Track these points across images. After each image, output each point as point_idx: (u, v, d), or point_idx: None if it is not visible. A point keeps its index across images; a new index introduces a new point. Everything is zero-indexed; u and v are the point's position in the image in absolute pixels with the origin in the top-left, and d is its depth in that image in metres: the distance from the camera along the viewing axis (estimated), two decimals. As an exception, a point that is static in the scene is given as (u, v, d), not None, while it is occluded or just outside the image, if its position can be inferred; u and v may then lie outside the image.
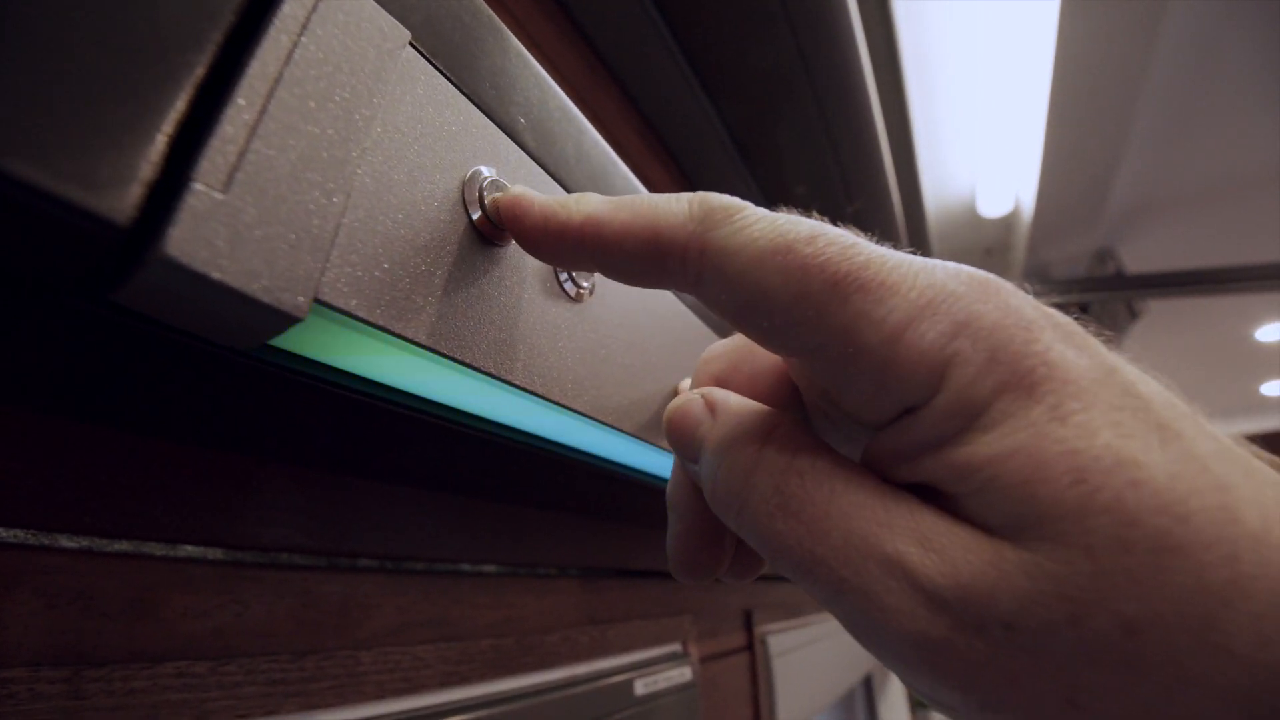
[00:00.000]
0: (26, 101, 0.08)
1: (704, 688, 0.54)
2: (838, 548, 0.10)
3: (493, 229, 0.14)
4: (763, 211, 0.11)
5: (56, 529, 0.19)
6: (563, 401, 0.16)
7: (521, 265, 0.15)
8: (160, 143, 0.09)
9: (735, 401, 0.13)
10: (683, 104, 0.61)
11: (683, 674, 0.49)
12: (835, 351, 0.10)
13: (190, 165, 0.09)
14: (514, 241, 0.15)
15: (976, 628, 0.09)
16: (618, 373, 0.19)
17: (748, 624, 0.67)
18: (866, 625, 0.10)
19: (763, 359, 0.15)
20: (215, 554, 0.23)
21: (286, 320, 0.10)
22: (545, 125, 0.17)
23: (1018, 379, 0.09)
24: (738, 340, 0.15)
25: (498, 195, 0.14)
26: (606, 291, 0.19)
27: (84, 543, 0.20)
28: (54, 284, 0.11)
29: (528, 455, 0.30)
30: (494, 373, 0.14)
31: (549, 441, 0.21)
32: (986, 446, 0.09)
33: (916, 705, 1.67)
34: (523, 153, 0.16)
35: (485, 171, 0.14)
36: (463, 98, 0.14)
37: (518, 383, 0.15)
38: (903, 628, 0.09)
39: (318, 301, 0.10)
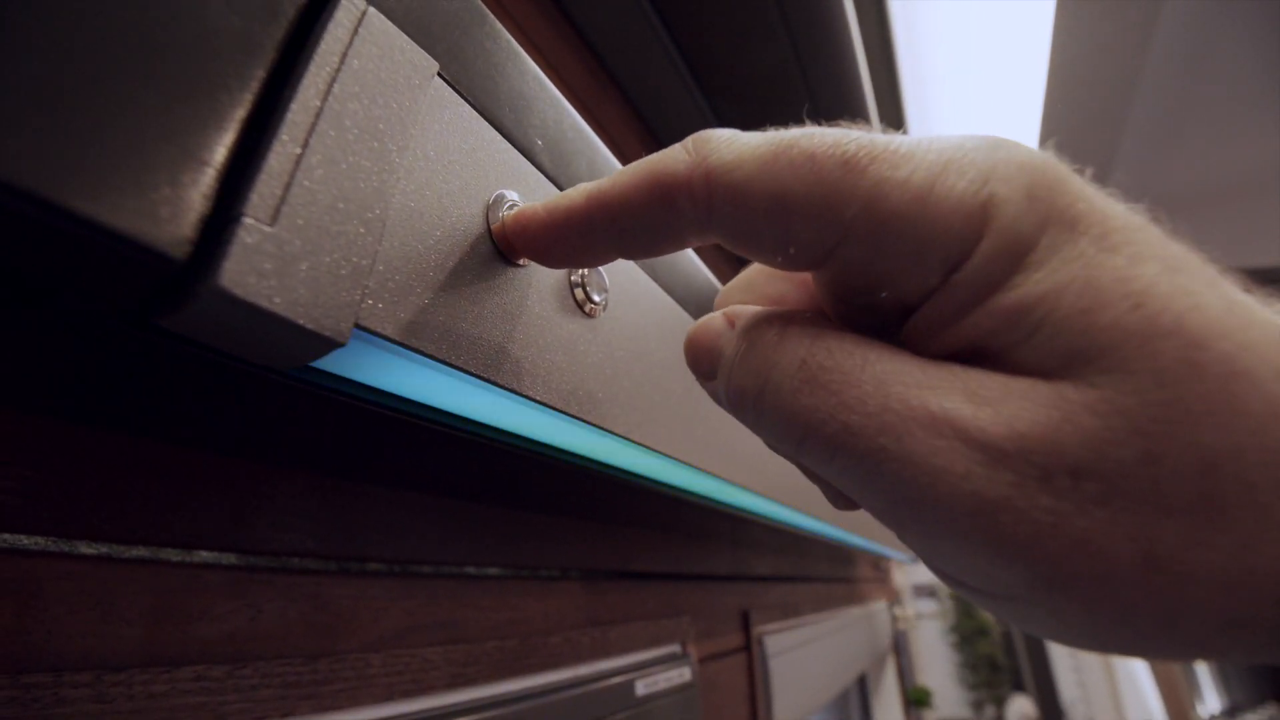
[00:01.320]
0: (85, 141, 0.08)
1: (703, 688, 0.55)
2: (873, 414, 0.09)
3: (515, 254, 0.15)
4: (754, 132, 0.11)
5: (76, 536, 0.19)
6: (579, 415, 0.16)
7: (540, 284, 0.16)
8: (211, 178, 0.09)
9: (756, 308, 0.12)
10: (682, 106, 0.61)
11: (682, 674, 0.49)
12: (864, 230, 0.09)
13: (240, 200, 0.09)
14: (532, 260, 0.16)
15: (1040, 480, 0.08)
16: (629, 385, 0.19)
17: (745, 624, 0.68)
18: (913, 498, 0.09)
19: (780, 287, 0.14)
20: (229, 559, 0.23)
21: (329, 345, 0.10)
22: (560, 145, 0.18)
23: (1059, 214, 0.09)
24: (752, 273, 0.14)
25: (499, 222, 0.14)
26: (618, 308, 0.19)
27: (103, 549, 0.20)
28: (102, 312, 0.11)
29: (535, 462, 0.30)
30: (516, 389, 0.14)
31: (556, 449, 0.21)
32: (1038, 284, 0.08)
33: (912, 704, 1.68)
34: (540, 174, 0.16)
35: (509, 195, 0.15)
36: (485, 124, 0.14)
37: (537, 398, 0.15)
38: (956, 491, 0.08)
39: (358, 327, 0.11)
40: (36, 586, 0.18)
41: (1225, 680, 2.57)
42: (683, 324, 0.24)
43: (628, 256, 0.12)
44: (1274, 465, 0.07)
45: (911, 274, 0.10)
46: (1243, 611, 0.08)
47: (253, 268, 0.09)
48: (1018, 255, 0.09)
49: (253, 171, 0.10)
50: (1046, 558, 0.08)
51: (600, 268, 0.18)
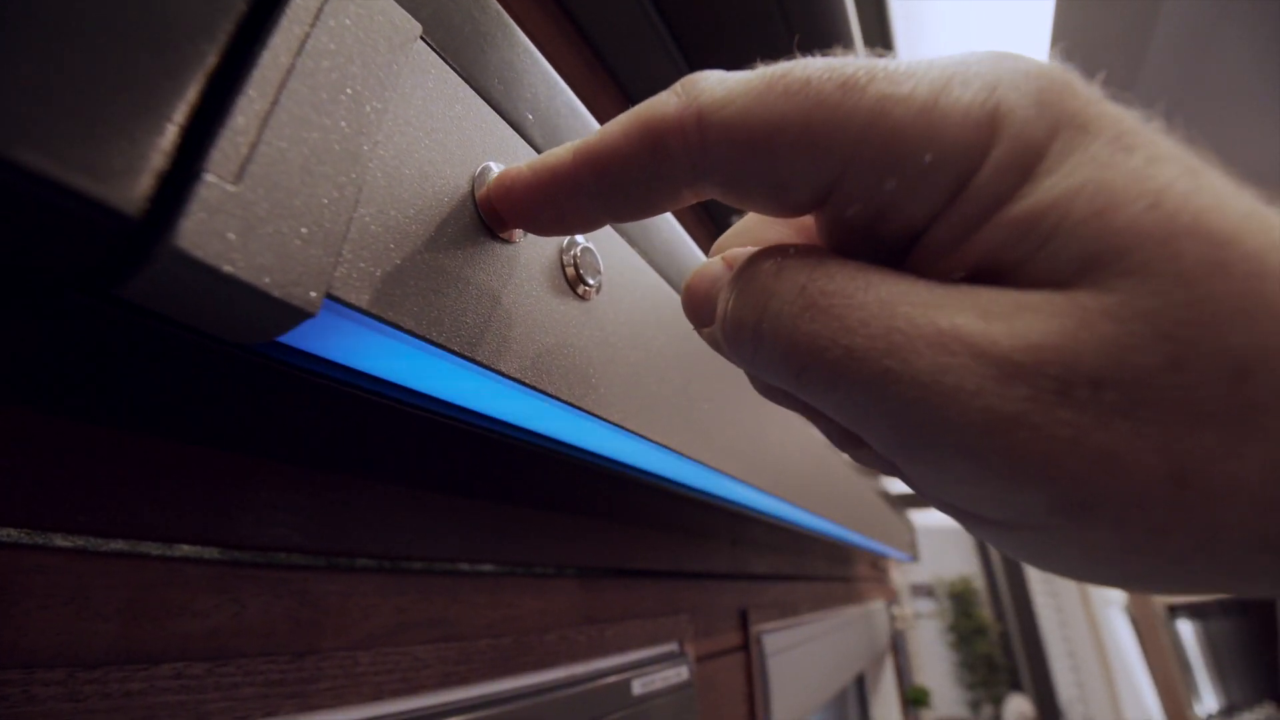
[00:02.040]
0: (34, 90, 0.08)
1: (700, 687, 0.54)
2: (878, 335, 0.09)
3: (501, 225, 0.14)
4: (743, 71, 0.10)
5: (50, 528, 0.19)
6: (570, 400, 0.16)
7: (531, 263, 0.15)
8: (171, 133, 0.09)
9: (754, 249, 0.11)
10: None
11: (680, 673, 0.49)
12: (868, 151, 0.09)
13: (201, 156, 0.09)
14: (520, 235, 0.15)
15: (1058, 392, 0.07)
16: (624, 371, 0.19)
17: (743, 623, 0.68)
18: (923, 421, 0.08)
19: (779, 231, 0.13)
20: (212, 553, 0.23)
21: (298, 316, 0.09)
22: (552, 121, 0.17)
23: (1070, 118, 0.08)
24: (749, 220, 0.14)
25: (485, 180, 0.13)
26: (613, 291, 0.18)
27: (79, 542, 0.19)
28: (55, 279, 0.11)
29: (528, 455, 0.30)
30: (503, 370, 0.14)
31: (550, 439, 0.21)
32: (1051, 190, 0.08)
33: (910, 704, 1.68)
34: (531, 149, 0.16)
35: (496, 168, 0.14)
36: (472, 93, 0.14)
37: (526, 381, 0.14)
38: (968, 409, 0.08)
39: (329, 297, 0.10)
40: (7, 580, 0.17)
41: (1223, 679, 2.57)
42: (678, 311, 0.23)
43: (617, 218, 0.12)
44: None
45: (919, 194, 0.09)
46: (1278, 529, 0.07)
47: (213, 228, 0.08)
48: (1028, 164, 0.08)
49: (216, 128, 0.09)
50: (1068, 476, 0.08)
51: (594, 250, 0.17)
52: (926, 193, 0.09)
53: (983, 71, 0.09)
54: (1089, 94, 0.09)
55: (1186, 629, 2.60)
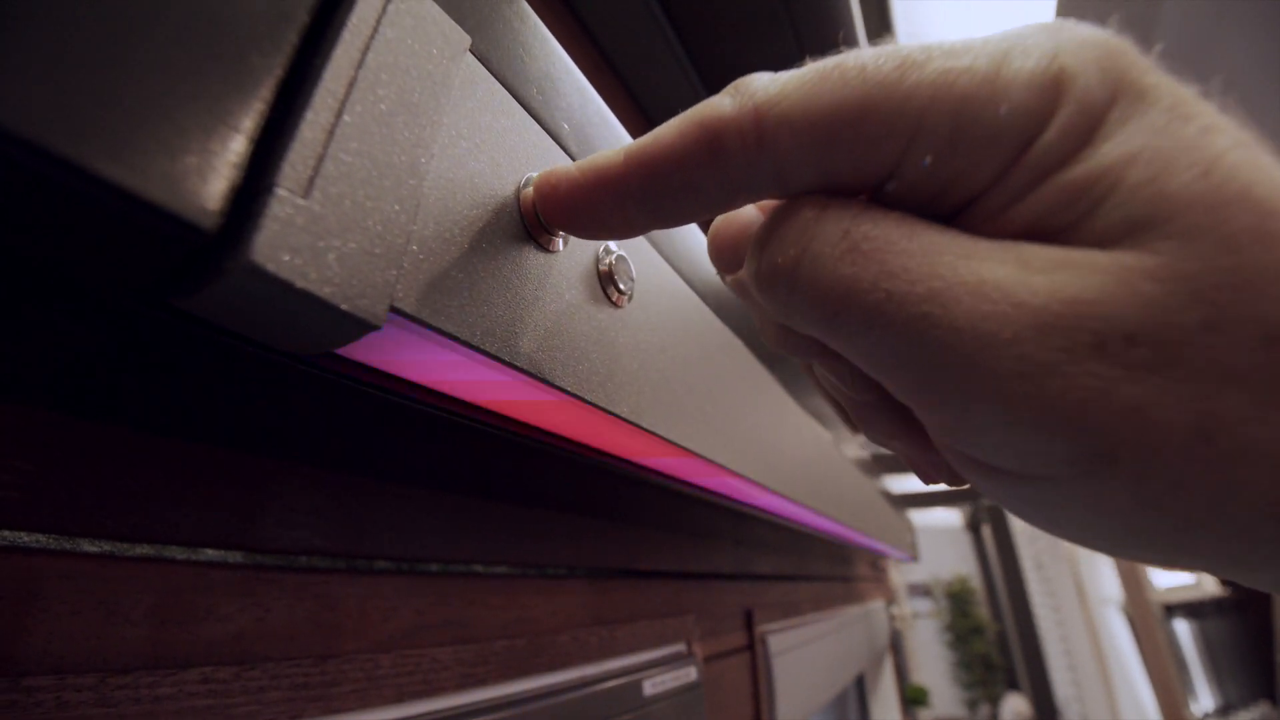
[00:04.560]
0: (109, 103, 0.08)
1: (707, 687, 0.54)
2: (919, 280, 0.09)
3: (544, 233, 0.14)
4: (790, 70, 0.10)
5: (78, 533, 0.19)
6: (605, 406, 0.16)
7: (570, 271, 0.15)
8: (242, 145, 0.09)
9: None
10: (687, 103, 0.61)
11: (688, 673, 0.49)
12: (934, 122, 0.09)
13: (273, 169, 0.09)
14: (561, 244, 0.15)
15: (1093, 345, 0.08)
16: (655, 379, 0.19)
17: (748, 623, 0.68)
18: (955, 365, 0.08)
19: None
20: (235, 557, 0.23)
21: (363, 328, 0.10)
22: (585, 130, 0.17)
23: (1129, 85, 0.09)
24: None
25: (526, 190, 0.13)
26: (644, 299, 0.19)
27: (106, 547, 0.19)
28: (117, 290, 0.11)
29: (539, 454, 0.30)
30: (545, 377, 0.14)
31: (572, 443, 0.21)
32: (1106, 155, 0.08)
33: (909, 704, 1.69)
34: (568, 159, 0.16)
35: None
36: (515, 103, 0.14)
37: (565, 387, 0.15)
38: (1003, 355, 0.08)
39: (393, 310, 0.10)
40: (37, 586, 0.17)
41: (1219, 679, 2.59)
42: (706, 320, 0.23)
43: (664, 223, 0.12)
44: None
45: (982, 163, 0.09)
46: None
47: (285, 242, 0.09)
48: (1090, 128, 0.09)
49: (285, 141, 0.09)
50: (1094, 426, 0.08)
51: (628, 258, 0.17)
52: (990, 160, 0.09)
53: (1042, 41, 0.09)
54: (1145, 63, 0.09)
55: (1183, 628, 2.62)
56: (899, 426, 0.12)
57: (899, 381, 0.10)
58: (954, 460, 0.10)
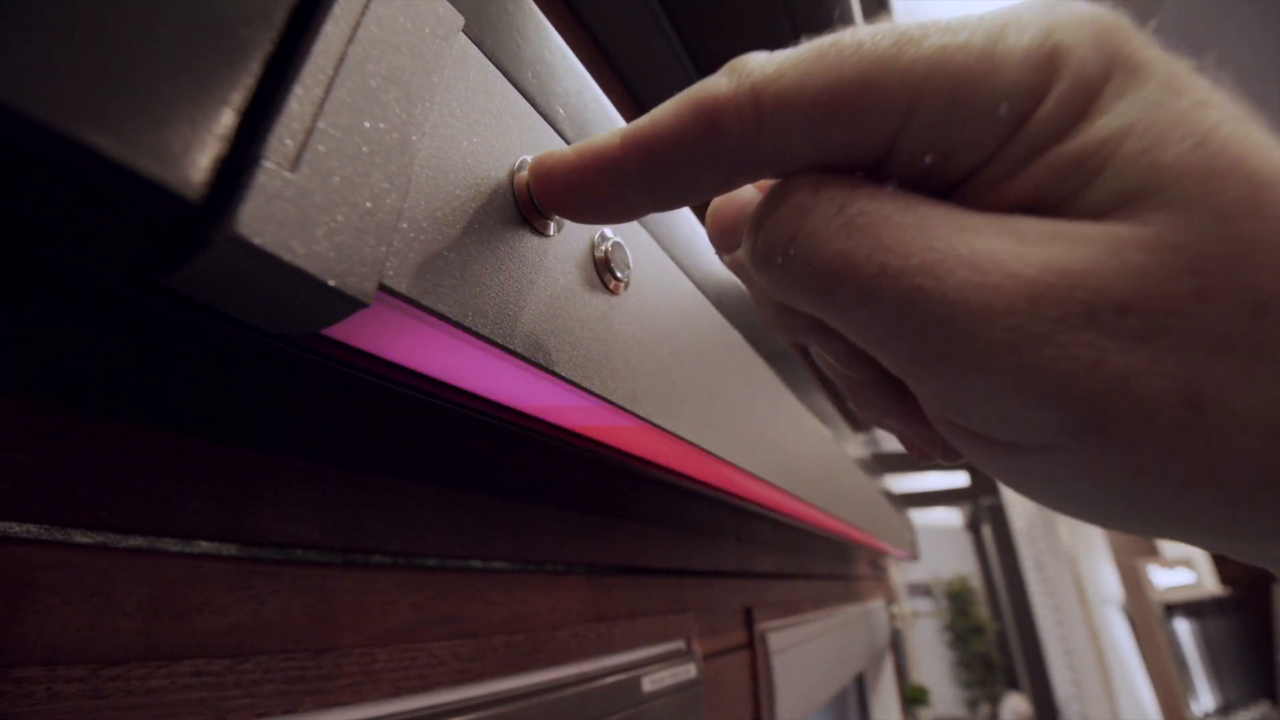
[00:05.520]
0: (96, 72, 0.08)
1: (707, 685, 0.54)
2: (913, 253, 0.09)
3: (538, 216, 0.14)
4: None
5: (71, 524, 0.19)
6: (602, 394, 0.16)
7: (565, 255, 0.15)
8: (229, 118, 0.09)
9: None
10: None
11: (688, 671, 0.49)
12: (932, 96, 0.09)
13: (260, 142, 0.09)
14: (555, 229, 0.15)
15: (1085, 315, 0.08)
16: (651, 368, 0.19)
17: (748, 621, 0.68)
18: (949, 336, 0.09)
19: None
20: (230, 550, 0.22)
21: (352, 305, 0.09)
22: (582, 116, 0.17)
23: (1124, 59, 0.09)
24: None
25: (520, 173, 0.13)
26: (640, 286, 0.18)
27: (99, 538, 0.19)
28: (97, 268, 0.10)
29: (540, 448, 0.30)
30: (540, 362, 0.14)
31: (574, 436, 0.21)
32: (1101, 129, 0.08)
33: (909, 703, 1.69)
34: (564, 144, 0.16)
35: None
36: (510, 86, 0.14)
37: (561, 373, 0.14)
38: (996, 326, 0.08)
39: (382, 288, 0.10)
40: (29, 577, 0.17)
41: (1219, 678, 2.59)
42: (703, 309, 0.23)
43: (659, 206, 0.12)
44: None
45: (980, 137, 0.09)
46: None
47: (272, 215, 0.08)
48: (1086, 101, 0.09)
49: (273, 115, 0.09)
50: (1086, 394, 0.08)
51: (624, 244, 0.17)
52: (987, 134, 0.09)
53: (1037, 17, 0.09)
54: (1141, 38, 0.09)
55: (1183, 628, 2.62)
56: (894, 404, 0.12)
57: (894, 354, 0.10)
58: (948, 433, 0.10)
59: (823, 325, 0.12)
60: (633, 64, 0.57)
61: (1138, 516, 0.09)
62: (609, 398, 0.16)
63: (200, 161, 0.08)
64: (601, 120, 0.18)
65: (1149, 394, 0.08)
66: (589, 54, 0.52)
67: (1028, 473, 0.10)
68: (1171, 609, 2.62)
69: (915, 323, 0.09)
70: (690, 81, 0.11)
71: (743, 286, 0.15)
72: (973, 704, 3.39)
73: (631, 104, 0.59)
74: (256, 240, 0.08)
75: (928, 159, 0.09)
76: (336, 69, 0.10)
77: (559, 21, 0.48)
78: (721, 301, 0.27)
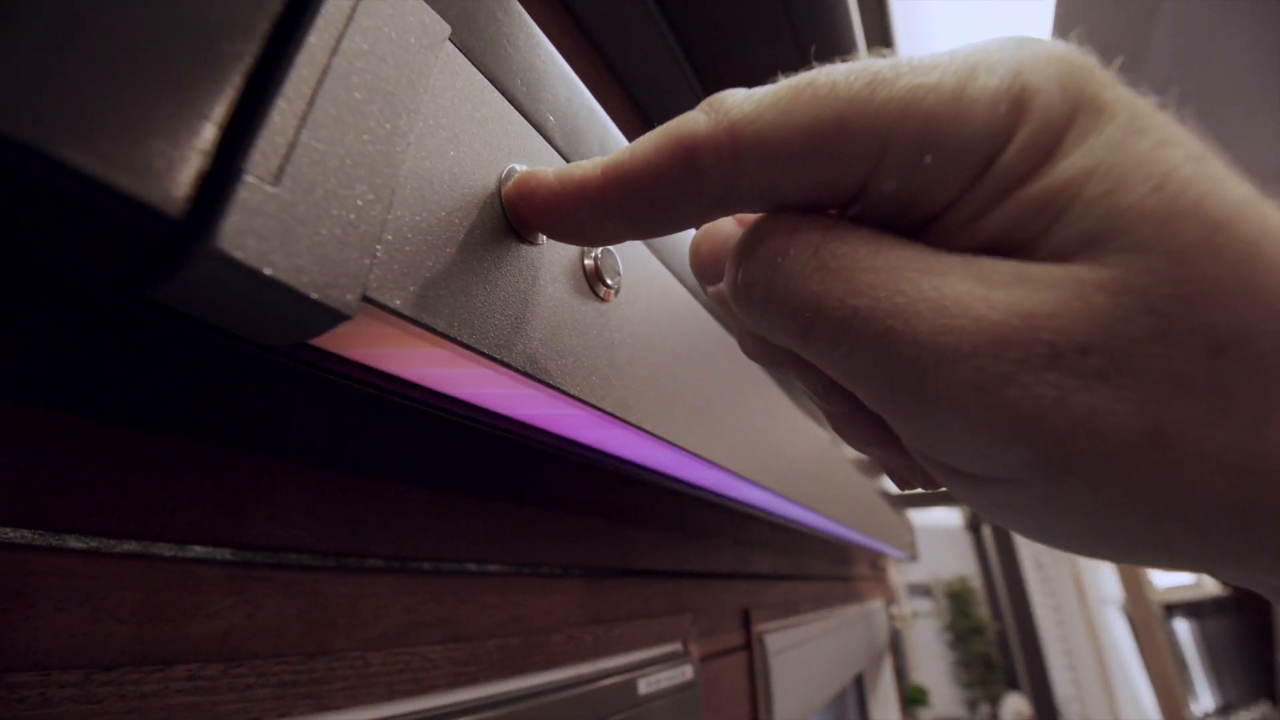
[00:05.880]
0: (76, 89, 0.08)
1: (704, 687, 0.54)
2: (884, 297, 0.09)
3: (525, 226, 0.14)
4: (764, 86, 0.11)
5: (64, 529, 0.19)
6: (592, 401, 0.16)
7: (554, 264, 0.15)
8: (211, 133, 0.09)
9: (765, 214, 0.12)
10: (684, 102, 0.61)
11: (684, 673, 0.49)
12: (903, 140, 0.09)
13: (241, 156, 0.09)
14: (543, 238, 0.15)
15: (1048, 357, 0.08)
16: (641, 372, 0.19)
17: (746, 623, 0.68)
18: (918, 377, 0.09)
19: None
20: (224, 554, 0.22)
21: (335, 318, 0.09)
22: (572, 123, 0.17)
23: (1088, 101, 0.09)
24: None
25: (509, 182, 0.13)
26: (631, 293, 0.18)
27: (92, 543, 0.19)
28: (85, 280, 0.10)
29: (533, 452, 0.30)
30: (530, 372, 0.14)
31: (566, 440, 0.21)
32: (1065, 171, 0.09)
33: (908, 703, 1.69)
34: (553, 151, 0.16)
35: (521, 170, 0.14)
36: (498, 94, 0.14)
37: (551, 382, 0.14)
38: (962, 367, 0.08)
39: (365, 299, 0.10)
40: (23, 582, 0.17)
41: (1219, 678, 2.59)
42: (694, 314, 0.23)
43: (641, 235, 0.12)
44: None
45: (948, 178, 0.09)
46: (1245, 496, 0.08)
47: (253, 229, 0.08)
48: (1050, 144, 0.09)
49: (255, 128, 0.09)
50: (1049, 433, 0.08)
51: (614, 252, 0.17)
52: (955, 175, 0.09)
53: (1005, 58, 0.09)
54: (1105, 78, 0.09)
55: (1183, 628, 2.62)
56: (874, 434, 0.13)
57: (869, 392, 0.10)
58: (927, 465, 0.11)
59: (802, 359, 0.12)
60: (631, 67, 0.57)
61: (1110, 546, 0.09)
62: (599, 405, 0.16)
63: (182, 177, 0.08)
64: (593, 126, 0.18)
65: (1112, 431, 0.08)
66: (587, 59, 0.52)
67: (1001, 505, 0.10)
68: (1171, 609, 2.62)
69: (887, 363, 0.09)
70: (689, 83, 0.11)
71: None
72: (972, 704, 3.39)
73: (630, 107, 0.59)
74: (238, 255, 0.08)
75: (900, 198, 0.10)
76: (320, 81, 0.10)
77: (556, 26, 0.48)
78: (713, 305, 0.27)
